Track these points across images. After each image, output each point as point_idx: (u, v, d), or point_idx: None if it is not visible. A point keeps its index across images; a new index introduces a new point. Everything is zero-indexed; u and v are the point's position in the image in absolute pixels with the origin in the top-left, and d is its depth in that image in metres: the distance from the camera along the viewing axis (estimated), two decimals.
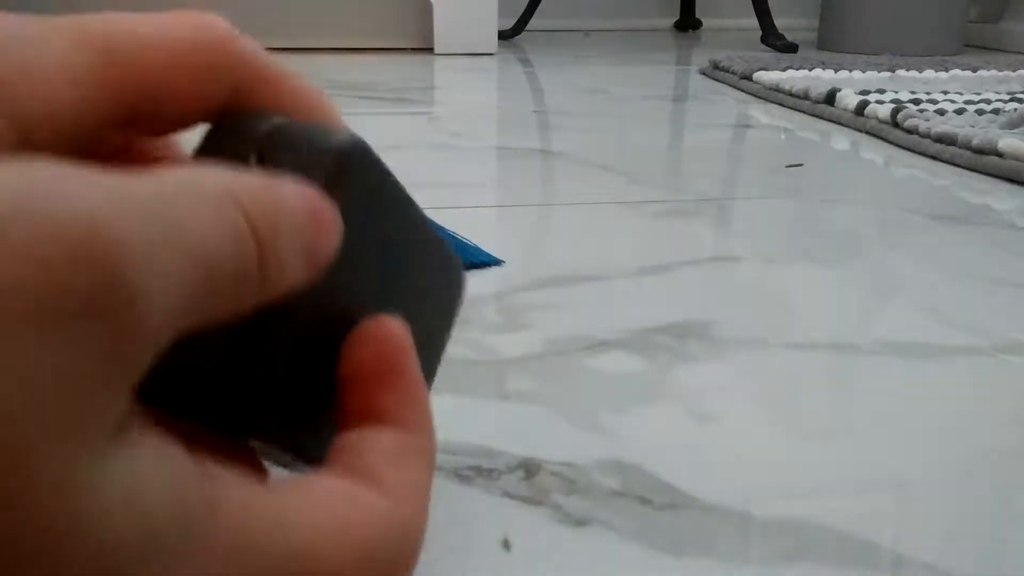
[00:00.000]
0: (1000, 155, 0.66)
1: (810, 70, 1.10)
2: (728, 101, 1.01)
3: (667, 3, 2.03)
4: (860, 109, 0.83)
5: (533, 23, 1.74)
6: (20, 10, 0.16)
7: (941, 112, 0.80)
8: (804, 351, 0.36)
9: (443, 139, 0.77)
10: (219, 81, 0.17)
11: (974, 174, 0.66)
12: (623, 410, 0.30)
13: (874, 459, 0.28)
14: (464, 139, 0.77)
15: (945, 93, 0.92)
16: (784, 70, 1.09)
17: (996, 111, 0.81)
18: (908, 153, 0.74)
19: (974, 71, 1.15)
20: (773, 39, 1.53)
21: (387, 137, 0.77)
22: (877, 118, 0.81)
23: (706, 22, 2.01)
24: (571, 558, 0.23)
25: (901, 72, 1.12)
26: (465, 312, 0.39)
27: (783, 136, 0.81)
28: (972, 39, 1.64)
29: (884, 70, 1.13)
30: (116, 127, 0.16)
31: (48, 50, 0.15)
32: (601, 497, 0.25)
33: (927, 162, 0.70)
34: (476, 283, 0.42)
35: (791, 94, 0.96)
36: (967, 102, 0.86)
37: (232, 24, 0.18)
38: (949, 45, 1.43)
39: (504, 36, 1.64)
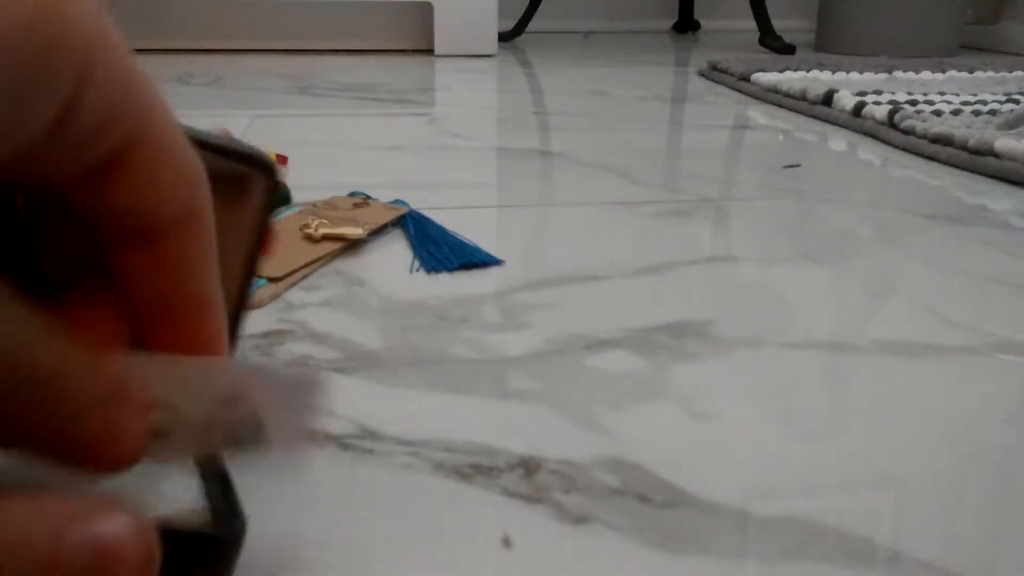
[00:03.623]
0: (996, 156, 0.66)
1: (807, 71, 1.11)
2: (726, 102, 1.01)
3: (666, 5, 2.03)
4: (857, 110, 0.83)
5: (533, 25, 1.74)
6: None
7: (938, 113, 0.81)
8: (802, 350, 0.36)
9: (443, 140, 0.77)
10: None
11: (970, 175, 0.67)
12: (622, 408, 0.31)
13: (872, 457, 0.28)
14: (464, 140, 0.77)
15: (942, 94, 0.93)
16: (782, 71, 1.09)
17: (993, 112, 0.81)
18: (905, 154, 0.74)
19: (971, 72, 1.16)
20: (771, 41, 1.54)
21: (387, 138, 0.77)
22: (874, 119, 0.81)
23: (704, 24, 2.01)
24: (571, 556, 0.23)
25: (898, 73, 1.13)
26: (465, 311, 0.39)
27: (781, 137, 0.81)
28: (969, 41, 1.64)
29: (881, 71, 1.13)
30: None
31: None
32: (600, 495, 0.26)
33: (924, 163, 0.71)
34: (476, 283, 0.43)
35: (789, 95, 0.96)
36: (964, 103, 0.87)
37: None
38: (946, 47, 1.43)
39: (504, 38, 1.64)
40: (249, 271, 0.24)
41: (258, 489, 0.26)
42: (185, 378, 0.19)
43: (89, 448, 0.16)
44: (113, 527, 0.15)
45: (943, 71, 1.15)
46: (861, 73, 1.11)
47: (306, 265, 0.43)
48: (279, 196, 0.23)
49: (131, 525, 0.16)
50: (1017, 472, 0.27)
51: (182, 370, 0.19)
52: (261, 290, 0.40)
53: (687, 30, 1.98)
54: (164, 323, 0.19)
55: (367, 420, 0.29)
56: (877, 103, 0.83)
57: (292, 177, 0.61)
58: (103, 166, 0.16)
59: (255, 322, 0.37)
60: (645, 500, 0.25)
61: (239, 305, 0.25)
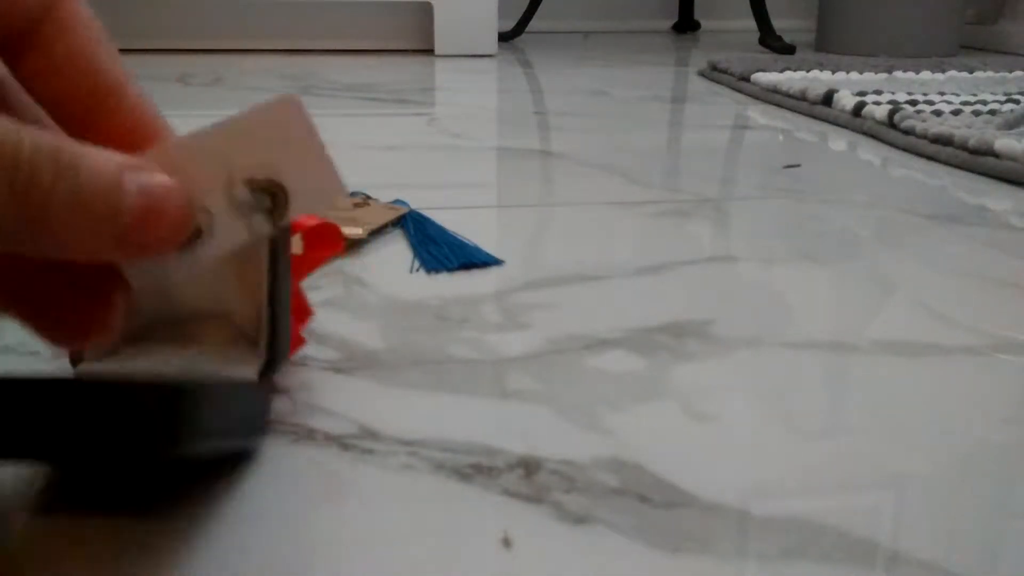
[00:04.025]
0: (996, 156, 0.66)
1: (807, 71, 1.11)
2: (726, 102, 1.01)
3: (666, 5, 2.03)
4: (857, 110, 0.83)
5: (533, 25, 1.74)
6: None
7: (938, 113, 0.81)
8: (802, 350, 0.36)
9: (443, 140, 0.77)
10: None
11: (970, 175, 0.67)
12: (622, 408, 0.31)
13: (872, 457, 0.28)
14: (464, 140, 0.77)
15: (942, 94, 0.93)
16: (782, 71, 1.09)
17: (993, 112, 0.81)
18: (905, 154, 0.74)
19: (971, 72, 1.16)
20: (771, 41, 1.54)
21: (387, 138, 0.77)
22: (874, 119, 0.81)
23: (704, 24, 2.01)
24: (571, 555, 0.23)
25: (898, 73, 1.13)
26: (465, 311, 0.39)
27: (781, 137, 0.81)
28: (969, 40, 1.64)
29: (881, 71, 1.13)
30: None
31: None
32: (601, 495, 0.26)
33: (924, 163, 0.71)
34: (476, 283, 0.43)
35: (789, 95, 0.96)
36: (964, 103, 0.87)
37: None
38: (946, 47, 1.43)
39: (504, 38, 1.64)
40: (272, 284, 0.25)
41: (257, 489, 0.26)
42: (187, 149, 0.19)
43: (127, 232, 0.17)
44: (162, 181, 0.18)
45: (943, 71, 1.15)
46: (861, 73, 1.11)
47: None
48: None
49: (173, 186, 0.18)
50: (1017, 472, 0.27)
51: (176, 147, 0.20)
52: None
53: (687, 30, 1.98)
54: (91, 116, 0.19)
55: (367, 420, 0.29)
56: (877, 103, 0.83)
57: None
58: None
59: None
60: (645, 500, 0.25)
61: (272, 319, 0.26)
